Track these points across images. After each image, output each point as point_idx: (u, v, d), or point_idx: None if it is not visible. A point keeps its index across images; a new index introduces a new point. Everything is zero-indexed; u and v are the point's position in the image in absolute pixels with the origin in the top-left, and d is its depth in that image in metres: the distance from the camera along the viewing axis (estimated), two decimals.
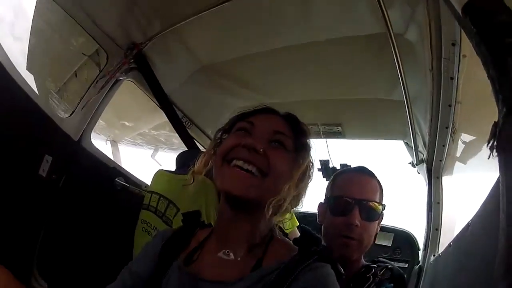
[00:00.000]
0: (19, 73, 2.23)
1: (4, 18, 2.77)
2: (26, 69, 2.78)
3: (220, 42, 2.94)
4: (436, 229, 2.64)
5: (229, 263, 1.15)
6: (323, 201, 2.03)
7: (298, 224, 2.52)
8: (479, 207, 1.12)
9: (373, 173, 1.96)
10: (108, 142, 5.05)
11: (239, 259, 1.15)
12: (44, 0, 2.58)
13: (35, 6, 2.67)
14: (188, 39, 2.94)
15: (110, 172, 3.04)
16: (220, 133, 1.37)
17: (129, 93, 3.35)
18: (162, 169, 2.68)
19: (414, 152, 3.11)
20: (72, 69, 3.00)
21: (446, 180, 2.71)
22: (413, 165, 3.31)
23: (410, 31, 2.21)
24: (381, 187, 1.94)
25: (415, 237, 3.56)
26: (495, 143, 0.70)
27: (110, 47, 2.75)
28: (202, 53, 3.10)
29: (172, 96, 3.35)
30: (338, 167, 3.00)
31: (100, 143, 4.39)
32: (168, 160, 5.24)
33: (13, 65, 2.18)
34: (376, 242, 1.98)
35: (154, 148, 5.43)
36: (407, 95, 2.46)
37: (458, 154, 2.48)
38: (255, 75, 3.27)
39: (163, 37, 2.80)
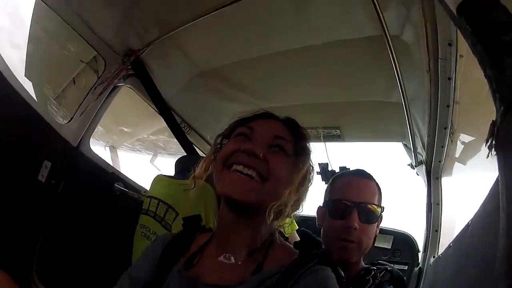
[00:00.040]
0: (17, 80, 2.23)
1: (2, 26, 2.77)
2: (25, 76, 2.78)
3: (217, 47, 2.94)
4: (436, 231, 2.64)
5: (230, 267, 1.15)
6: (322, 205, 2.04)
7: (298, 228, 2.53)
8: (479, 207, 1.12)
9: (371, 176, 1.97)
10: (107, 148, 5.05)
11: (239, 263, 1.15)
12: (41, 8, 2.57)
13: (32, 14, 2.67)
14: (185, 45, 2.95)
15: (109, 178, 3.04)
16: (220, 138, 1.37)
17: (127, 99, 3.35)
18: (161, 174, 2.68)
19: (413, 154, 3.11)
20: (70, 76, 3.01)
21: (445, 181, 2.71)
22: (412, 167, 3.31)
23: (406, 32, 2.22)
24: (379, 189, 1.95)
25: (414, 239, 3.56)
26: (493, 142, 0.70)
27: (108, 54, 2.76)
28: (199, 59, 3.11)
29: (171, 101, 3.35)
30: (337, 170, 3.00)
31: (99, 149, 4.38)
32: (167, 166, 5.24)
33: (12, 72, 2.18)
34: (375, 245, 1.99)
35: (153, 153, 5.43)
36: (405, 97, 2.46)
37: (457, 155, 2.48)
38: (253, 79, 3.27)
39: (161, 43, 2.80)
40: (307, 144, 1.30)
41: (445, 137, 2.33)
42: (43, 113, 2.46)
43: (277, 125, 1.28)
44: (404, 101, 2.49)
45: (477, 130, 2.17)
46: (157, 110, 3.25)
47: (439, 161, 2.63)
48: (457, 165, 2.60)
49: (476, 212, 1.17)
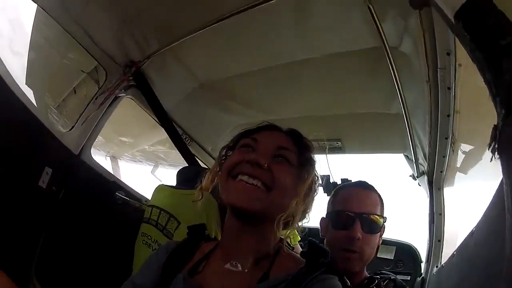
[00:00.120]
0: (19, 87, 2.24)
1: (3, 33, 2.79)
2: (25, 84, 2.79)
3: (217, 60, 2.95)
4: (439, 241, 2.63)
5: (236, 275, 1.15)
6: (325, 216, 2.06)
7: (300, 239, 2.53)
8: (483, 214, 1.12)
9: (373, 187, 1.99)
10: (108, 158, 5.05)
11: (246, 270, 1.16)
12: (42, 17, 2.59)
13: (33, 22, 2.69)
14: (186, 57, 2.96)
15: (110, 186, 3.03)
16: (224, 150, 1.39)
17: (129, 109, 3.36)
18: (163, 184, 2.68)
19: (414, 165, 3.11)
20: (71, 85, 3.02)
21: (447, 191, 2.71)
22: (414, 178, 3.31)
23: (405, 43, 2.23)
24: (381, 200, 1.97)
25: (417, 250, 3.55)
26: (496, 145, 0.71)
27: (109, 65, 2.77)
28: (200, 71, 3.12)
29: (172, 113, 3.36)
30: (339, 182, 3.00)
31: (100, 158, 4.38)
32: (168, 176, 5.23)
33: (13, 79, 2.19)
34: (378, 255, 2.00)
35: (154, 164, 5.43)
36: (406, 108, 2.47)
37: (458, 164, 2.48)
38: (254, 92, 3.28)
39: (161, 55, 2.81)
40: (311, 154, 1.31)
41: (446, 147, 2.33)
42: (44, 120, 2.47)
43: (281, 136, 1.29)
44: (405, 112, 2.50)
45: (477, 139, 2.17)
46: (158, 121, 3.25)
47: (441, 171, 2.62)
48: (458, 174, 2.59)
49: (480, 220, 1.17)
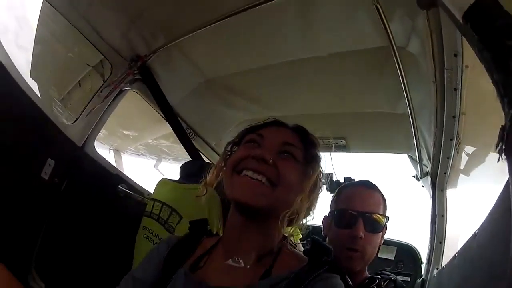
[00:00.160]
0: (24, 80, 2.25)
1: (8, 27, 2.79)
2: (30, 77, 2.79)
3: (223, 56, 2.94)
4: (440, 242, 2.63)
5: (238, 271, 1.15)
6: (327, 215, 2.07)
7: (301, 237, 2.52)
8: (486, 216, 1.12)
9: (376, 187, 2.01)
10: (111, 151, 5.06)
11: (248, 267, 1.15)
12: (48, 10, 2.59)
13: (39, 16, 2.69)
14: (191, 53, 2.95)
15: (112, 179, 3.04)
16: (230, 145, 1.38)
17: (133, 103, 3.36)
18: (166, 178, 2.69)
19: (418, 165, 3.11)
20: (76, 79, 3.02)
21: (450, 192, 2.70)
22: (417, 179, 3.31)
23: (412, 43, 2.22)
24: (384, 200, 1.99)
25: (418, 251, 3.55)
26: (503, 146, 0.70)
27: (115, 59, 2.77)
28: (205, 66, 3.11)
29: (177, 107, 3.36)
30: (342, 180, 3.00)
31: (103, 151, 4.39)
32: (171, 171, 5.23)
33: (19, 73, 2.20)
34: (379, 256, 2.01)
35: (157, 158, 5.43)
36: (411, 108, 2.46)
37: (462, 166, 2.47)
38: (259, 88, 3.27)
39: (167, 50, 2.81)
40: (317, 151, 1.31)
41: (451, 148, 2.32)
42: (48, 112, 2.48)
43: (287, 132, 1.29)
44: (411, 112, 2.49)
45: (482, 141, 2.17)
46: (163, 115, 3.26)
47: (445, 173, 2.61)
48: (462, 176, 2.59)
49: (483, 221, 1.16)
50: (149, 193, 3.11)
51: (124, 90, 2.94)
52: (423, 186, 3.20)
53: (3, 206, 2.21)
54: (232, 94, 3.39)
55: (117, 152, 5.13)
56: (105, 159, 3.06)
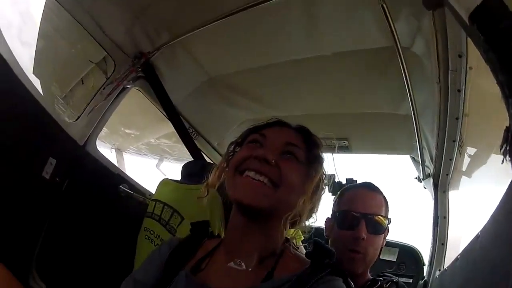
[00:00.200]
0: (27, 76, 2.25)
1: (12, 23, 2.78)
2: (33, 73, 2.79)
3: (226, 55, 2.93)
4: (442, 244, 2.63)
5: (240, 273, 1.14)
6: (330, 216, 2.09)
7: (303, 239, 2.52)
8: (489, 218, 1.11)
9: (379, 189, 2.02)
10: (113, 150, 5.06)
11: (250, 269, 1.14)
12: (52, 5, 2.58)
13: (43, 11, 2.68)
14: (195, 51, 2.94)
15: (114, 178, 3.03)
16: (232, 146, 1.38)
17: (136, 101, 3.36)
18: (167, 178, 2.68)
19: (421, 167, 3.10)
20: (79, 75, 3.01)
21: (452, 194, 2.69)
22: (419, 180, 3.31)
23: (417, 44, 2.21)
24: (386, 201, 2.00)
25: (420, 252, 3.54)
26: (508, 147, 0.70)
27: (118, 56, 2.76)
28: (209, 65, 3.10)
29: (179, 106, 3.35)
30: (344, 182, 3.00)
31: (105, 151, 4.39)
32: (173, 171, 5.23)
33: (22, 69, 2.20)
34: (381, 257, 2.04)
35: (159, 158, 5.43)
36: (415, 109, 2.45)
37: (464, 168, 2.47)
38: (262, 87, 3.26)
39: (171, 48, 2.81)
40: (320, 152, 1.30)
41: (454, 150, 2.32)
42: (50, 110, 2.47)
43: (290, 133, 1.28)
44: (414, 113, 2.49)
45: (485, 143, 2.17)
46: (165, 114, 3.25)
47: (447, 174, 2.61)
48: (464, 178, 2.58)
49: (486, 223, 1.16)
50: (150, 194, 3.12)
51: (127, 87, 2.93)
52: (425, 188, 3.20)
53: (4, 205, 2.21)
54: (235, 93, 3.37)
55: (119, 151, 5.14)
56: (106, 158, 3.06)
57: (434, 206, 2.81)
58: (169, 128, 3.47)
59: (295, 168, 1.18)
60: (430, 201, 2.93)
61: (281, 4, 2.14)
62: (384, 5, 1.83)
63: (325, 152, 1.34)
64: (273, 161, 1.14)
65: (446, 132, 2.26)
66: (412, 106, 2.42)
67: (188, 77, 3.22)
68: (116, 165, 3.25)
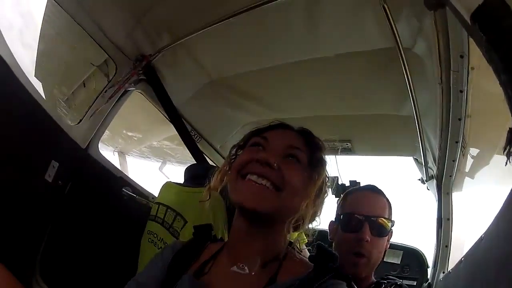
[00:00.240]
0: (28, 79, 2.25)
1: (14, 25, 2.79)
2: (34, 76, 2.80)
3: (229, 57, 2.92)
4: (446, 246, 2.63)
5: (243, 278, 1.14)
6: (334, 219, 2.11)
7: (307, 241, 2.50)
8: (492, 220, 1.10)
9: (382, 191, 2.04)
10: (116, 153, 5.07)
11: (253, 273, 1.14)
12: (53, 8, 2.59)
13: (44, 14, 2.68)
14: (197, 53, 2.93)
15: (117, 182, 3.02)
16: (235, 149, 1.37)
17: (137, 104, 3.36)
18: (170, 181, 2.67)
19: (424, 168, 3.10)
20: (81, 78, 3.02)
21: (455, 195, 2.69)
22: (422, 182, 3.30)
23: (418, 44, 2.20)
24: (389, 204, 2.02)
25: (424, 255, 3.54)
26: (511, 149, 0.69)
27: (119, 58, 2.76)
28: (211, 67, 3.09)
29: (181, 109, 3.35)
30: (347, 184, 2.99)
31: (108, 153, 4.40)
32: (176, 173, 5.23)
33: (23, 72, 2.20)
34: (385, 260, 2.05)
35: (162, 160, 5.43)
36: (417, 110, 2.44)
37: (467, 169, 2.46)
38: (264, 90, 3.25)
39: (172, 50, 2.80)
40: (322, 155, 1.29)
41: (457, 151, 2.31)
42: (52, 113, 2.47)
43: (292, 136, 1.28)
44: (416, 115, 2.48)
45: (488, 144, 2.16)
46: (167, 117, 3.25)
47: (450, 176, 2.60)
48: (467, 179, 2.57)
49: (490, 224, 1.15)
50: (153, 197, 3.10)
51: (129, 90, 2.94)
52: (428, 189, 3.19)
53: (6, 208, 2.21)
54: (237, 96, 3.36)
55: (121, 154, 5.15)
56: (109, 161, 3.06)
57: (438, 208, 2.81)
58: (172, 130, 3.46)
59: (298, 172, 1.18)
60: (433, 203, 2.92)
61: (283, 6, 2.13)
62: (386, 6, 1.82)
63: (328, 154, 1.34)
64: (275, 165, 1.13)
65: (449, 133, 2.25)
66: (415, 107, 2.42)
67: (190, 79, 3.22)
68: (119, 168, 3.26)
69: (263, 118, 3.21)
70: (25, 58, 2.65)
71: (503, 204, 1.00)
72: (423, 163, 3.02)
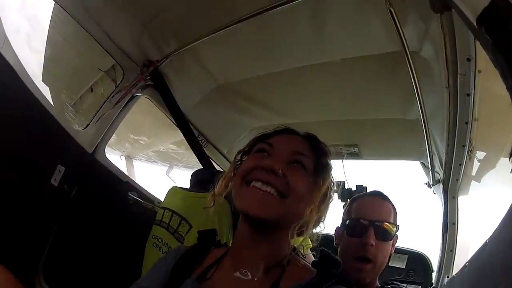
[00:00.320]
0: (35, 84, 2.27)
1: (20, 29, 2.81)
2: (42, 80, 2.81)
3: (235, 62, 2.93)
4: (451, 250, 2.62)
5: (245, 283, 1.14)
6: (340, 225, 2.13)
7: (312, 246, 2.49)
8: (498, 225, 1.10)
9: (387, 197, 2.06)
10: (123, 157, 5.08)
11: (256, 279, 1.14)
12: (59, 14, 2.61)
13: (51, 19, 2.71)
14: (204, 58, 2.94)
15: (123, 186, 3.03)
16: (240, 155, 1.37)
17: (146, 109, 3.37)
18: (176, 186, 2.68)
19: (430, 172, 3.09)
20: (88, 83, 3.03)
21: (462, 200, 2.68)
22: (429, 186, 3.29)
23: (425, 48, 2.20)
24: (395, 210, 2.03)
25: (429, 259, 3.54)
26: None
27: (126, 64, 2.78)
28: (218, 72, 3.10)
29: (188, 114, 3.36)
30: (354, 188, 2.99)
31: (115, 158, 4.41)
32: (183, 178, 5.24)
33: (30, 78, 2.22)
34: (390, 264, 2.06)
35: (169, 165, 5.44)
36: (424, 114, 2.43)
37: (474, 173, 2.44)
38: (271, 95, 3.26)
39: (179, 56, 2.80)
40: (328, 160, 1.29)
41: (463, 155, 2.30)
42: (59, 117, 2.49)
43: (297, 141, 1.27)
44: (423, 118, 2.47)
45: (494, 148, 2.15)
46: (174, 122, 3.25)
47: (457, 180, 2.59)
48: (474, 183, 2.56)
49: (494, 231, 1.14)
50: (159, 201, 3.12)
51: (136, 96, 2.94)
52: (434, 193, 3.18)
53: (13, 211, 2.23)
54: (244, 101, 3.37)
55: (128, 158, 5.16)
56: (115, 166, 3.07)
57: (444, 212, 2.80)
58: (179, 135, 3.47)
59: (303, 178, 1.17)
60: (439, 207, 2.91)
61: (289, 11, 2.14)
62: (392, 9, 1.82)
63: (334, 159, 1.33)
64: (280, 172, 1.13)
65: (456, 137, 2.24)
66: (422, 111, 2.41)
67: (197, 85, 3.23)
68: (126, 172, 3.27)
69: (270, 123, 3.21)
70: (33, 62, 2.66)
71: (509, 208, 0.99)
72: (430, 167, 3.00)
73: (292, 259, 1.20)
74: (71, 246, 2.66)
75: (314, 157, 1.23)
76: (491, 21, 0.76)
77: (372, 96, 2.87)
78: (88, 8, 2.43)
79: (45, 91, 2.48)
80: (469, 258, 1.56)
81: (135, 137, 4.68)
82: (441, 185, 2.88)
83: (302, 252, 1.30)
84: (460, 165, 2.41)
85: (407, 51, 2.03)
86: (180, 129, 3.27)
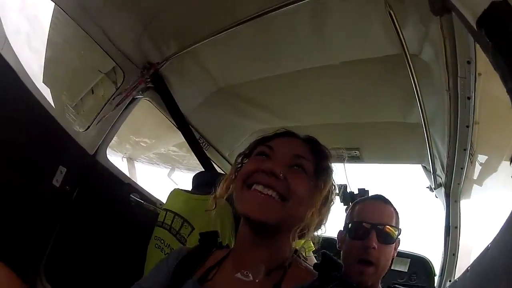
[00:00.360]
0: (35, 85, 2.27)
1: (20, 29, 2.81)
2: (42, 82, 2.82)
3: (236, 65, 2.93)
4: (453, 254, 2.61)
5: (247, 285, 1.14)
6: (342, 229, 2.14)
7: (314, 249, 2.49)
8: (500, 229, 1.09)
9: (389, 200, 2.07)
10: (125, 159, 5.09)
11: (257, 281, 1.14)
12: (59, 15, 2.61)
13: (51, 21, 2.71)
14: (204, 61, 2.94)
15: (125, 188, 3.04)
16: (240, 157, 1.37)
17: (147, 111, 3.38)
18: (178, 188, 2.68)
19: (432, 176, 3.08)
20: (89, 85, 3.04)
21: (464, 203, 2.67)
22: (431, 189, 3.28)
23: (425, 51, 2.19)
24: (397, 213, 2.05)
25: (431, 263, 3.53)
26: None
27: (127, 66, 2.78)
28: (218, 75, 3.10)
29: (189, 117, 3.36)
30: (356, 192, 2.99)
31: (116, 159, 4.41)
32: (184, 180, 5.24)
33: (31, 79, 2.23)
34: (392, 268, 2.06)
35: (170, 167, 5.44)
36: (425, 117, 2.43)
37: (475, 177, 2.44)
38: (272, 98, 3.25)
39: (180, 58, 2.80)
40: (329, 163, 1.28)
41: (465, 159, 2.29)
42: (60, 119, 2.49)
43: (298, 144, 1.27)
44: (424, 122, 2.46)
45: (496, 151, 2.15)
46: (175, 124, 3.25)
47: (458, 183, 2.59)
48: (475, 187, 2.55)
49: (496, 235, 1.13)
50: (161, 203, 3.12)
51: (137, 98, 2.94)
52: (437, 197, 3.17)
53: (14, 212, 2.23)
54: (245, 103, 3.37)
55: (130, 160, 5.17)
56: (117, 167, 3.07)
57: (446, 216, 2.80)
58: (180, 137, 3.47)
59: (304, 181, 1.17)
60: (441, 211, 2.91)
61: (290, 14, 2.14)
62: (392, 12, 1.82)
63: (336, 162, 1.33)
64: (281, 175, 1.13)
65: (457, 140, 2.24)
66: (422, 114, 2.40)
67: (197, 87, 3.22)
68: (128, 174, 3.27)
69: (271, 126, 3.20)
70: (33, 62, 2.67)
71: (511, 212, 0.99)
72: (432, 171, 3.00)
73: (293, 262, 1.20)
74: (73, 246, 2.67)
75: (315, 160, 1.23)
76: (491, 24, 0.75)
77: (373, 98, 2.87)
78: (88, 9, 2.44)
79: (46, 92, 2.49)
80: (471, 262, 1.56)
81: (137, 139, 4.68)
82: (443, 189, 2.88)
83: (304, 254, 1.30)
84: (461, 168, 2.41)
85: (407, 54, 2.03)
86: (181, 131, 3.27)
